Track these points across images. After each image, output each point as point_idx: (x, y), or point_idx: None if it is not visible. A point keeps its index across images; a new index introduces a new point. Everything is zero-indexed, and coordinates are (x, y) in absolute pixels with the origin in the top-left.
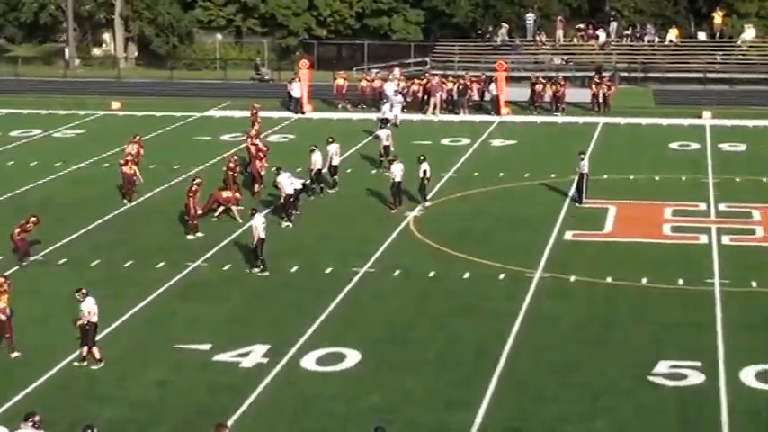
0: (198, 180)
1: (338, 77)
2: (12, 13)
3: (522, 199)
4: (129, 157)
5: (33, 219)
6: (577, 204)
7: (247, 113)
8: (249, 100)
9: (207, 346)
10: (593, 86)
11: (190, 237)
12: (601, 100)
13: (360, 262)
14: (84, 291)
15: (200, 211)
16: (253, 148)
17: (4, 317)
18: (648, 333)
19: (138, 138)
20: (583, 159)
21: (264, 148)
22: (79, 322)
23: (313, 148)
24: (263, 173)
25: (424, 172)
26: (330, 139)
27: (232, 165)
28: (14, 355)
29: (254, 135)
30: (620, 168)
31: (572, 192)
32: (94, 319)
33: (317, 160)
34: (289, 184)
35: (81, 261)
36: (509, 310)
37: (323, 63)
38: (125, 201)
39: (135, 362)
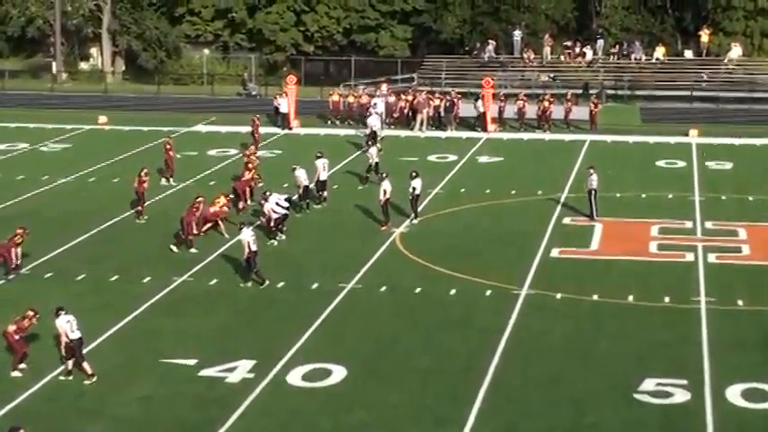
0: (201, 198)
1: (333, 93)
2: None
3: (508, 215)
4: (143, 177)
5: (20, 230)
6: (569, 220)
7: (235, 129)
8: (236, 115)
9: (193, 361)
10: (566, 103)
11: (193, 250)
12: (579, 117)
13: (346, 278)
14: (53, 310)
15: (195, 231)
16: (248, 161)
17: (17, 336)
18: (634, 350)
19: (168, 139)
20: (591, 174)
21: (256, 161)
22: (63, 346)
23: (294, 166)
24: (252, 184)
25: (414, 188)
26: (318, 154)
27: (249, 152)
28: (14, 373)
29: (253, 150)
30: (606, 186)
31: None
32: (75, 335)
33: (300, 176)
34: (276, 206)
35: (67, 275)
36: (495, 326)
37: (310, 79)
38: (140, 218)
39: (121, 376)
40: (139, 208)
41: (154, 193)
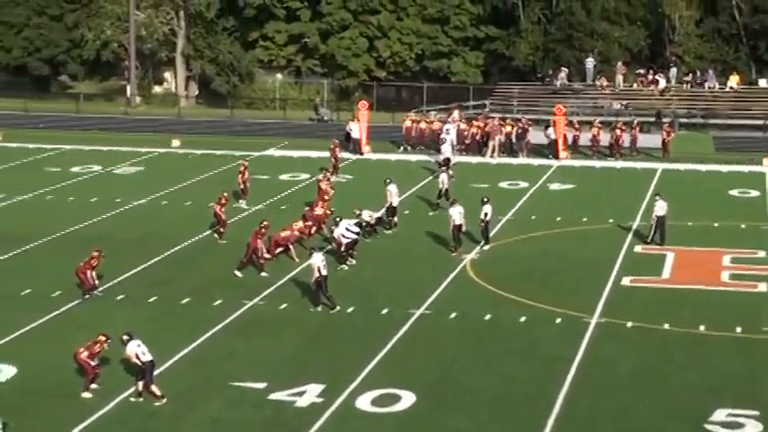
0: (266, 222)
1: (407, 119)
2: (74, 50)
3: (579, 243)
4: (224, 200)
5: (96, 253)
6: (640, 249)
7: (306, 153)
8: (308, 140)
9: (262, 385)
10: (633, 130)
11: (263, 274)
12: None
13: (416, 304)
14: (124, 337)
15: (268, 255)
16: (324, 186)
17: (93, 363)
18: (705, 381)
19: (243, 165)
20: (658, 201)
21: (331, 192)
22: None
23: (357, 211)
24: (326, 221)
25: (485, 214)
26: (388, 180)
27: (323, 178)
28: (85, 394)
29: (328, 177)
30: (678, 214)
31: (651, 235)
32: (146, 357)
33: (369, 214)
34: (346, 231)
35: (138, 297)
36: (565, 354)
37: (382, 104)
38: (220, 240)
39: (191, 399)
40: (221, 229)
41: (228, 216)
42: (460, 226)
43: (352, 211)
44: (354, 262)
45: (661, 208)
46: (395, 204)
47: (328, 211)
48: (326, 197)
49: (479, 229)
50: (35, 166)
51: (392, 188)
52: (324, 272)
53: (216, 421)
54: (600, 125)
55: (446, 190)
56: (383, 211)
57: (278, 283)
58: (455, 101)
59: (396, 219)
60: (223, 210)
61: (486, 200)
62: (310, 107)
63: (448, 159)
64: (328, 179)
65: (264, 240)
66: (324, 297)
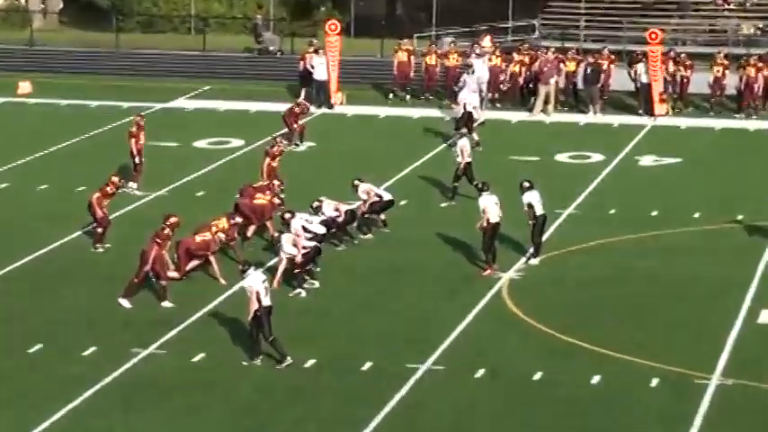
0: (173, 219)
1: (400, 50)
2: None
3: (687, 253)
4: (111, 188)
5: None
6: None
7: (239, 105)
8: (243, 84)
9: None
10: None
11: (165, 304)
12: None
13: (419, 354)
14: None
15: (174, 274)
16: (274, 162)
17: None
18: None
19: (136, 124)
20: None
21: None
22: None
23: (319, 201)
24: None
25: (530, 206)
26: (356, 182)
27: (276, 150)
28: None
29: (282, 148)
30: None
31: None
32: None
33: (338, 207)
34: (303, 232)
35: None
36: None
37: (363, 26)
38: (96, 247)
39: None
40: (98, 230)
41: (111, 209)
42: (497, 226)
43: (310, 203)
44: (317, 284)
45: None
46: (386, 198)
47: (276, 201)
48: (273, 189)
49: (531, 229)
50: None
51: (364, 189)
52: (266, 300)
53: None
54: (725, 61)
55: (467, 166)
56: (359, 204)
57: (190, 318)
58: (484, 21)
59: (383, 216)
60: (106, 202)
61: (527, 185)
62: (247, 31)
63: (470, 116)
64: (281, 152)
65: (170, 249)
66: (266, 342)
